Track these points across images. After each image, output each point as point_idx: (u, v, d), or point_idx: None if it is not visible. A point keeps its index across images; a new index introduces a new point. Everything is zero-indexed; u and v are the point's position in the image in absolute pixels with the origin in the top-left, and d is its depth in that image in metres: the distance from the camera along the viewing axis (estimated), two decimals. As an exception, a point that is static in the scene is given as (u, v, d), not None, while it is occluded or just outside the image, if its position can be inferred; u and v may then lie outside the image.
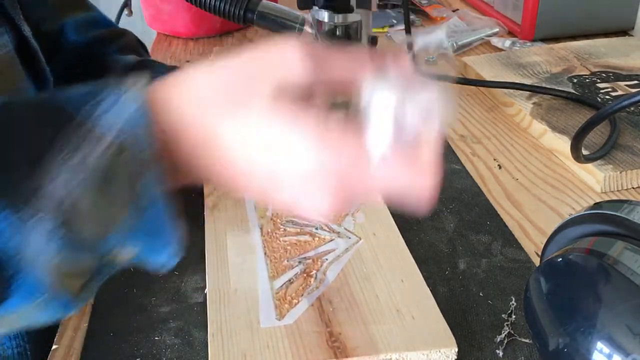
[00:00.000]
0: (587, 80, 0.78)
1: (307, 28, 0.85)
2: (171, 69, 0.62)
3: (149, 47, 1.04)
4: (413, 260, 0.48)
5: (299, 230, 0.52)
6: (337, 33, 0.85)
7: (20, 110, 0.31)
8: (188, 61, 0.97)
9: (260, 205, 0.55)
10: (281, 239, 0.51)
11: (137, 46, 0.66)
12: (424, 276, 0.47)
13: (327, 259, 0.49)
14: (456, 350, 0.41)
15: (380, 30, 1.05)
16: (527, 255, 0.51)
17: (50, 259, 0.29)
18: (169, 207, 0.31)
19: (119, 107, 0.29)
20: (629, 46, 0.88)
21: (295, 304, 0.45)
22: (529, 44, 0.95)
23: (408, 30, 0.93)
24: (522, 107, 0.73)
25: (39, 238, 0.29)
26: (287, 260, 0.49)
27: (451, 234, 0.54)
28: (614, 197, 0.60)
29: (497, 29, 1.01)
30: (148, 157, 0.30)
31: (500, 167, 0.65)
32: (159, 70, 0.60)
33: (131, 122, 0.29)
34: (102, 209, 0.29)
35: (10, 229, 0.28)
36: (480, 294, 0.47)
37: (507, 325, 0.44)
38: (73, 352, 0.45)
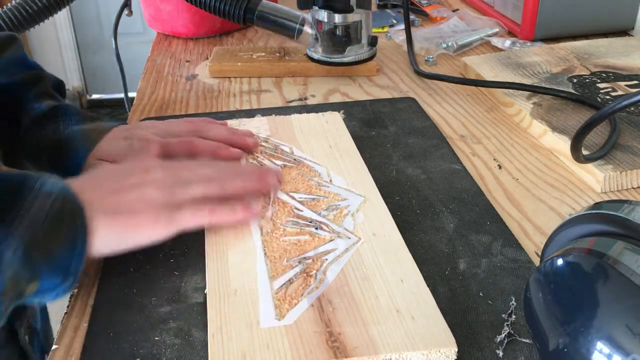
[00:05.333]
0: (587, 80, 0.78)
1: (307, 28, 0.85)
2: (83, 113, 0.64)
3: (149, 47, 1.04)
4: (413, 260, 0.48)
5: (299, 230, 0.52)
6: (337, 33, 0.85)
7: None
8: (188, 61, 0.97)
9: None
10: (281, 239, 0.51)
11: (54, 91, 0.67)
12: (424, 276, 0.47)
13: (327, 259, 0.49)
14: (456, 350, 0.41)
15: (380, 30, 1.05)
16: (527, 255, 0.51)
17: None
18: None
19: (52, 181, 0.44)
20: (629, 46, 0.88)
21: (295, 304, 0.44)
22: (529, 44, 0.95)
23: (408, 30, 0.93)
24: (522, 107, 0.73)
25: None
26: (287, 260, 0.49)
27: (451, 234, 0.54)
28: (614, 197, 0.60)
29: (497, 29, 1.01)
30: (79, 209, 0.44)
31: (500, 167, 0.65)
32: (72, 116, 0.63)
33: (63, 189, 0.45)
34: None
35: None
36: (480, 294, 0.47)
37: (507, 325, 0.44)
38: (73, 352, 0.45)
